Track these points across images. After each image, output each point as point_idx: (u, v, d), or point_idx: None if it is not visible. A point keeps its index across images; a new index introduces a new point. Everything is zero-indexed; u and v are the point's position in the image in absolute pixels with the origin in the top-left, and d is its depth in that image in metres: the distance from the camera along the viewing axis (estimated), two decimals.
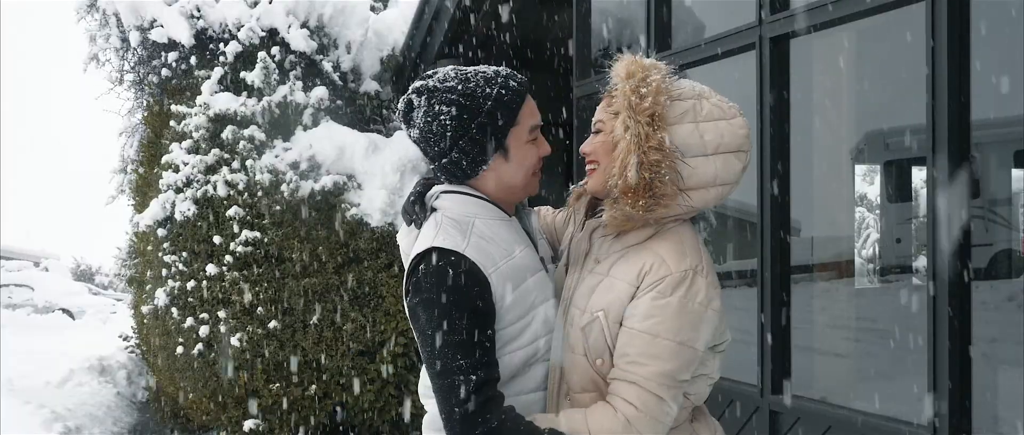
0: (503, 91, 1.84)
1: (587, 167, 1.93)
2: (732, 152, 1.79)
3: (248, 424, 6.42)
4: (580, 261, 1.92)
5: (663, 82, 1.79)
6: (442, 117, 1.82)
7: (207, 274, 6.37)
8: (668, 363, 1.72)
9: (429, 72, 1.90)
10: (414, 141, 1.89)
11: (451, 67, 1.90)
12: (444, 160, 1.85)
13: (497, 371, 1.76)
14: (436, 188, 1.92)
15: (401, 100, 1.91)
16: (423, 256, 1.79)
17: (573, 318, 1.84)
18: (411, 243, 1.92)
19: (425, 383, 1.93)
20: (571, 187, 2.10)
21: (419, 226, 1.91)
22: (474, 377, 1.70)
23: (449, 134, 1.82)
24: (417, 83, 1.88)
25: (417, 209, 1.92)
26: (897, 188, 10.20)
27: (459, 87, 1.83)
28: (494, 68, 1.90)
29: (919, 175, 10.44)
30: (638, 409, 1.71)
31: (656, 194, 1.75)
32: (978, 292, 3.27)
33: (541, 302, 1.88)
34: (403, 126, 1.92)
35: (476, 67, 1.90)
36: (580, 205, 2.04)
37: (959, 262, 3.13)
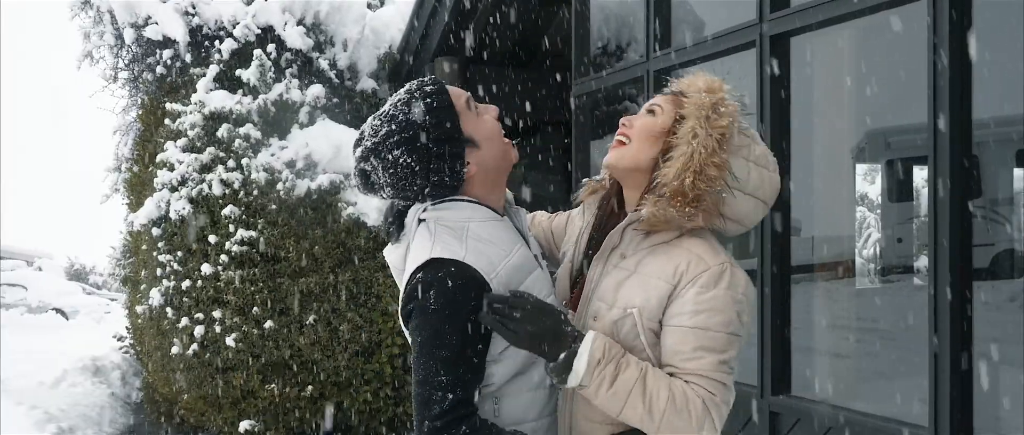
0: (428, 100, 1.85)
1: (616, 137, 1.94)
2: (763, 201, 1.89)
3: (244, 425, 6.42)
4: (604, 255, 1.93)
5: (737, 110, 1.87)
6: (400, 161, 1.81)
7: (202, 273, 6.37)
8: (723, 353, 1.77)
9: (356, 137, 1.90)
10: (392, 198, 1.89)
11: (371, 117, 1.90)
12: (428, 190, 1.85)
13: (475, 390, 1.76)
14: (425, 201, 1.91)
15: (354, 178, 1.91)
16: (421, 268, 1.78)
17: (598, 311, 1.86)
18: (401, 257, 1.92)
19: None
20: (584, 181, 2.10)
21: (397, 239, 1.90)
22: (451, 396, 1.70)
23: (417, 168, 1.81)
24: (357, 152, 1.87)
25: (393, 226, 1.92)
26: (898, 187, 10.20)
27: (393, 126, 1.83)
28: (404, 91, 1.90)
29: (920, 174, 10.44)
30: (712, 393, 1.75)
31: (700, 207, 1.82)
32: (980, 292, 3.27)
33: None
34: (370, 195, 1.92)
35: (390, 100, 1.90)
36: (593, 200, 2.06)
37: (961, 262, 3.14)
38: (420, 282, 1.77)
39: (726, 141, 1.82)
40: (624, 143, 1.91)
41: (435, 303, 1.73)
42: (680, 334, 1.78)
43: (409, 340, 1.84)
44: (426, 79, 1.92)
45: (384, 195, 1.89)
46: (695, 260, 1.81)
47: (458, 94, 1.90)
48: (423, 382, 1.72)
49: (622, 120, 1.94)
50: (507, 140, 1.94)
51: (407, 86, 1.91)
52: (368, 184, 1.89)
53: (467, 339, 1.74)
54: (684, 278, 1.80)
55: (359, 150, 1.87)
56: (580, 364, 1.73)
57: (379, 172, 1.84)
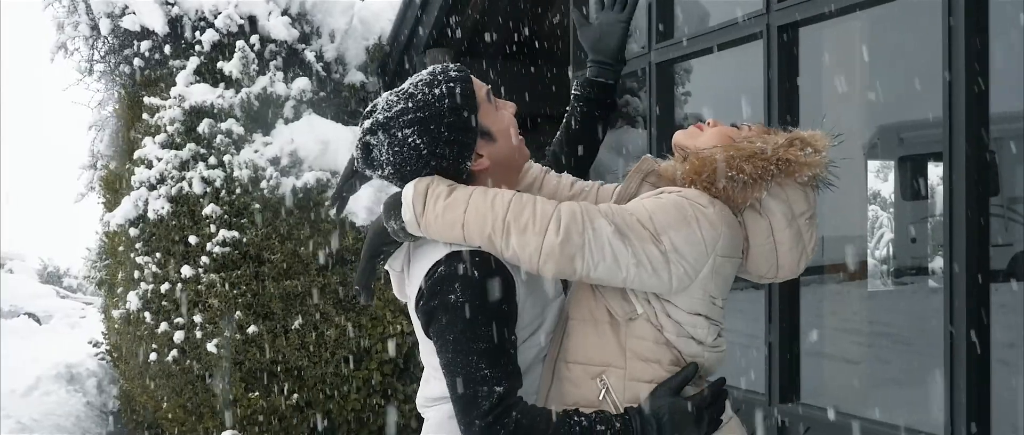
0: (450, 84, 1.86)
1: (695, 125, 2.04)
2: (776, 264, 1.96)
3: None
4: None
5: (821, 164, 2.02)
6: (409, 139, 1.82)
7: (182, 276, 6.36)
8: (633, 215, 1.78)
9: (367, 109, 1.91)
10: (389, 179, 1.89)
11: (386, 93, 1.92)
12: (427, 175, 1.85)
13: (520, 379, 1.78)
14: None
15: (356, 149, 1.91)
16: (441, 263, 1.78)
17: None
18: (400, 259, 1.92)
19: (427, 394, 1.94)
20: (647, 156, 2.11)
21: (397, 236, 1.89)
22: (498, 388, 1.71)
23: (424, 151, 1.82)
24: (365, 123, 1.88)
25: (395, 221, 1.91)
26: (912, 185, 10.22)
27: (409, 104, 1.84)
28: (428, 71, 1.92)
29: (935, 171, 10.46)
30: (579, 211, 1.75)
31: (712, 190, 1.89)
32: (997, 294, 3.28)
33: (555, 297, 1.93)
34: (368, 172, 1.92)
35: (410, 80, 1.92)
36: (635, 177, 2.06)
37: (977, 263, 3.14)
38: (441, 277, 1.77)
39: (788, 170, 1.90)
40: (701, 130, 2.00)
41: (463, 296, 1.74)
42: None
43: (428, 343, 1.84)
44: (451, 65, 1.93)
45: (381, 173, 1.89)
46: (675, 189, 1.88)
47: (479, 85, 1.92)
48: (466, 381, 1.72)
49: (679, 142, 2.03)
50: (520, 137, 1.96)
51: (430, 68, 1.92)
52: (368, 159, 1.89)
53: (502, 328, 1.75)
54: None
55: (368, 122, 1.88)
56: (407, 192, 1.79)
57: (383, 148, 1.85)
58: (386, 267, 1.99)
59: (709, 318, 1.89)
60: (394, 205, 1.82)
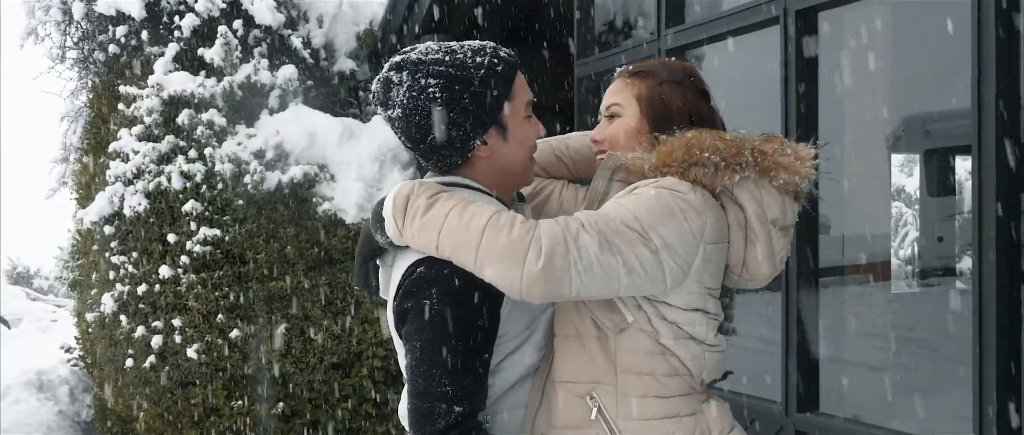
0: (495, 60, 1.87)
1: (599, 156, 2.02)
2: (717, 243, 1.90)
3: None
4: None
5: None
6: (430, 90, 1.82)
7: (160, 277, 6.36)
8: (615, 219, 1.77)
9: (408, 48, 1.92)
10: (393, 122, 1.88)
11: (433, 41, 1.92)
12: (431, 138, 1.84)
13: (483, 401, 1.76)
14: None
15: (376, 80, 1.91)
16: (421, 263, 1.77)
17: None
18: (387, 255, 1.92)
19: (405, 406, 1.94)
20: (611, 152, 2.12)
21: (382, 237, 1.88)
22: (457, 409, 1.70)
23: (438, 107, 1.81)
24: (396, 58, 1.89)
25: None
26: (939, 180, 10.21)
27: (446, 58, 1.84)
28: (479, 42, 1.92)
29: (964, 165, 10.45)
30: (560, 229, 1.72)
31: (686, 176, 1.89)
32: None
33: (545, 309, 1.91)
34: (379, 109, 1.92)
35: (458, 42, 1.92)
36: (603, 175, 2.06)
37: (1008, 264, 3.14)
38: (420, 279, 1.76)
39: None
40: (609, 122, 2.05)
41: (438, 303, 1.73)
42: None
43: (401, 344, 1.83)
44: (507, 49, 1.94)
45: (389, 115, 1.88)
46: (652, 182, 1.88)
47: (524, 86, 1.93)
48: (423, 394, 1.72)
49: (594, 137, 2.06)
50: (533, 161, 1.97)
51: (486, 42, 1.94)
52: (385, 95, 1.88)
53: (474, 345, 1.74)
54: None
55: (399, 57, 1.89)
56: (387, 206, 1.79)
57: (403, 88, 1.84)
58: (378, 263, 1.99)
59: (707, 313, 1.87)
60: (378, 217, 1.82)
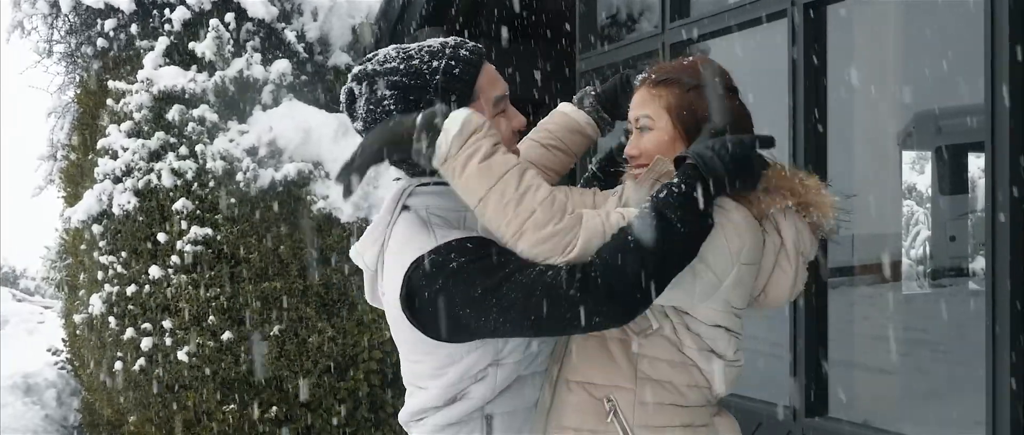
0: (452, 63, 1.85)
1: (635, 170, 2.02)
2: (751, 264, 1.92)
3: None
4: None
5: None
6: (385, 102, 1.82)
7: (150, 277, 6.36)
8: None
9: (369, 55, 1.91)
10: (361, 134, 1.89)
11: (393, 46, 1.91)
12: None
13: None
14: (411, 181, 1.91)
15: (342, 91, 1.92)
16: (427, 254, 1.77)
17: None
18: (375, 256, 1.90)
19: (411, 409, 1.94)
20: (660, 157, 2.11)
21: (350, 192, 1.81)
22: (551, 269, 1.70)
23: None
24: (356, 68, 1.90)
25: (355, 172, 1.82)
26: (951, 177, 10.22)
27: (401, 66, 1.84)
28: (442, 40, 1.90)
29: (976, 162, 10.46)
30: (602, 219, 1.76)
31: None
32: None
33: None
34: (348, 117, 1.93)
35: (422, 42, 1.91)
36: (648, 178, 2.06)
37: (1023, 263, 3.14)
38: (434, 261, 1.75)
39: None
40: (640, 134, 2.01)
41: (464, 256, 1.73)
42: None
43: (413, 347, 1.83)
44: (471, 43, 1.92)
45: (356, 128, 1.91)
46: None
47: (491, 81, 1.91)
48: (530, 287, 1.68)
49: (628, 152, 2.05)
50: (517, 150, 1.97)
51: (447, 38, 1.91)
52: (350, 108, 1.91)
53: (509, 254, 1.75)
54: None
55: (358, 67, 1.89)
56: (453, 123, 1.73)
57: (362, 102, 1.86)
58: (359, 266, 1.98)
59: (729, 330, 1.89)
60: (430, 127, 1.74)
